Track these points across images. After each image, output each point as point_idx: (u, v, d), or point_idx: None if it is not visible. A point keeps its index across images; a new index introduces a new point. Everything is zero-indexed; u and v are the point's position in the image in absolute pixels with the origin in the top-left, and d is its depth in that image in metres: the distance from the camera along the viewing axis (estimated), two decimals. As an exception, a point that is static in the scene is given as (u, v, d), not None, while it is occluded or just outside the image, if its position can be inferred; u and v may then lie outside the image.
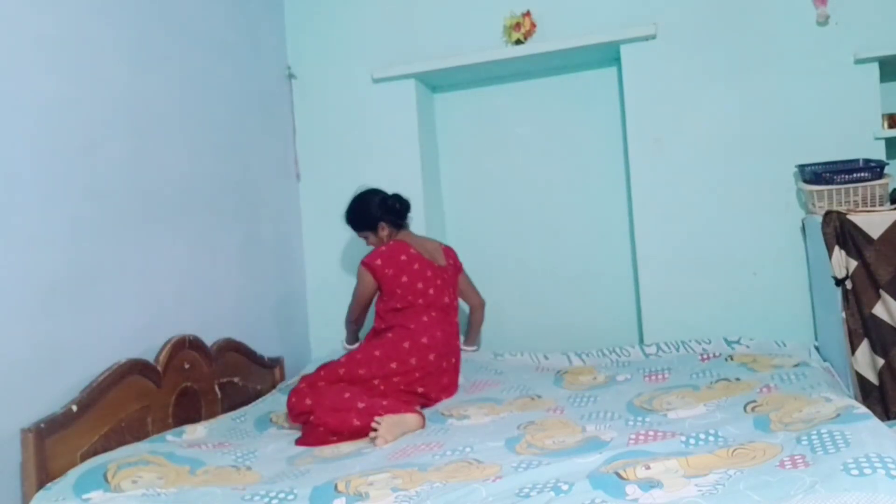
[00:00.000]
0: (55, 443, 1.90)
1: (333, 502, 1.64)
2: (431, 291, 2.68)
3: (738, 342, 2.77)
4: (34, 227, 2.01)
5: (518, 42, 3.15)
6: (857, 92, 2.84)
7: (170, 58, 2.63)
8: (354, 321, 2.90)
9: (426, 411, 2.42)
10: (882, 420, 1.96)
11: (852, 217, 2.49)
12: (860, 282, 2.47)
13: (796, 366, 2.44)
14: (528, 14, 3.16)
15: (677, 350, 2.84)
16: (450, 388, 2.65)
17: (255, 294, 3.04)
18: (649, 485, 1.53)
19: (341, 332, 3.23)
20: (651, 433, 1.94)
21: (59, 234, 2.09)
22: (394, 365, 2.50)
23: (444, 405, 2.51)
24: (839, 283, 2.51)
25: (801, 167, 2.78)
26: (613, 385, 2.53)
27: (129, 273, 2.34)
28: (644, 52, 3.06)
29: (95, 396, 2.06)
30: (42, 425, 1.88)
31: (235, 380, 2.74)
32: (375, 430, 2.17)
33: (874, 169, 2.62)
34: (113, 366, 2.15)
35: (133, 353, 2.26)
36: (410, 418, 2.26)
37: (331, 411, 2.28)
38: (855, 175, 2.63)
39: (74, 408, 1.98)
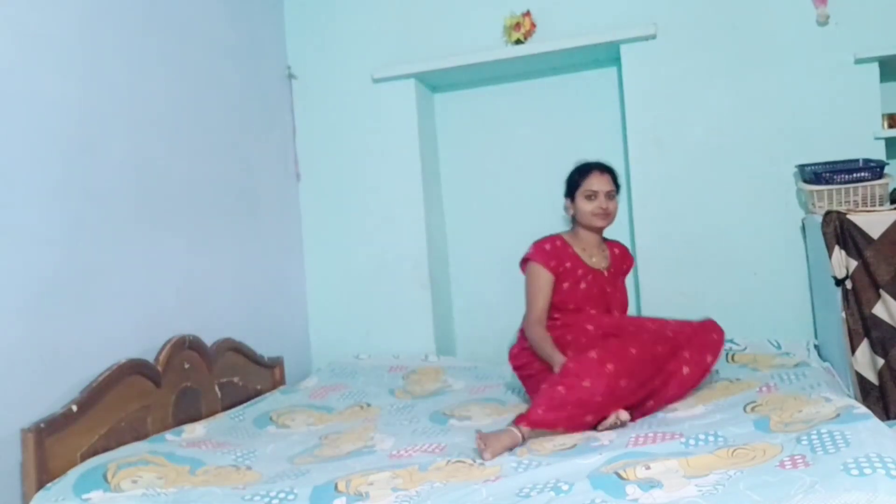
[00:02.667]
0: (55, 443, 1.90)
1: (333, 502, 1.64)
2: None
3: (736, 343, 2.78)
4: (34, 227, 2.01)
5: (518, 42, 3.15)
6: (857, 92, 2.84)
7: (170, 58, 2.63)
8: None
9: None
10: (882, 420, 1.96)
11: (852, 217, 2.49)
12: (860, 282, 2.47)
13: (796, 366, 2.44)
14: (528, 14, 3.16)
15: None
16: None
17: (255, 294, 3.04)
18: (649, 485, 1.53)
19: (340, 332, 3.25)
20: (651, 434, 1.94)
21: (59, 234, 2.09)
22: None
23: (446, 405, 2.51)
24: (839, 282, 2.50)
25: (801, 167, 2.78)
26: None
27: (129, 273, 2.34)
28: (644, 52, 3.06)
29: (95, 396, 2.06)
30: (42, 425, 1.87)
31: (235, 380, 2.74)
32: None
33: (874, 169, 2.62)
34: (113, 366, 2.15)
35: (133, 353, 2.26)
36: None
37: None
38: (855, 175, 2.62)
39: (74, 408, 1.98)
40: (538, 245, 2.50)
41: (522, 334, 2.49)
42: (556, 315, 2.44)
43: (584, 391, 2.04)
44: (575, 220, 2.54)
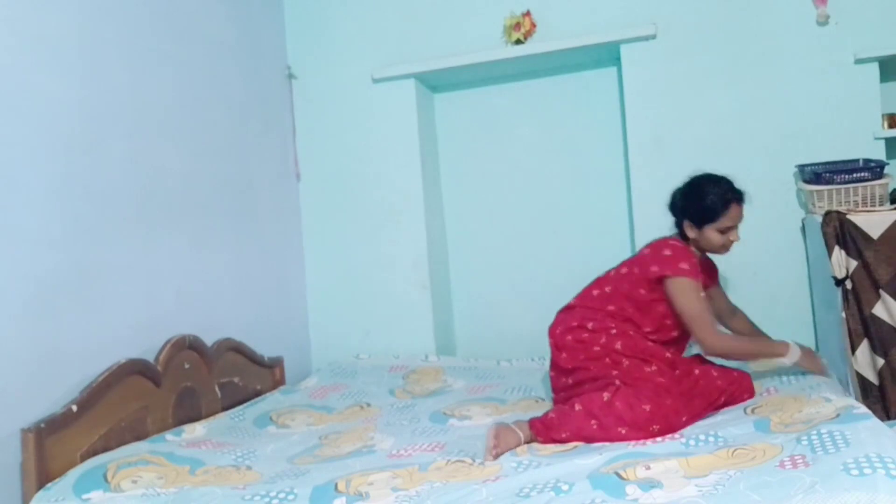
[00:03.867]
0: (55, 443, 1.90)
1: (333, 502, 1.65)
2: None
3: None
4: (34, 227, 2.01)
5: (518, 42, 3.15)
6: (857, 92, 2.84)
7: (170, 58, 2.62)
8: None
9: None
10: (882, 420, 1.96)
11: (852, 217, 2.49)
12: (860, 282, 2.47)
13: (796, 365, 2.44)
14: (528, 14, 3.16)
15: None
16: None
17: (255, 294, 3.04)
18: (649, 485, 1.53)
19: (340, 332, 3.24)
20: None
21: (59, 234, 2.09)
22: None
23: (446, 405, 2.51)
24: (839, 283, 2.50)
25: (801, 167, 2.78)
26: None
27: (129, 273, 2.34)
28: (644, 52, 3.06)
29: (95, 396, 2.06)
30: (42, 425, 1.88)
31: (235, 380, 2.74)
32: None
33: (874, 169, 2.62)
34: (113, 366, 2.15)
35: (133, 353, 2.26)
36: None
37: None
38: (855, 175, 2.62)
39: (74, 408, 1.98)
40: (683, 256, 2.18)
41: (582, 319, 2.23)
42: (666, 332, 2.21)
43: (615, 436, 1.95)
44: (691, 241, 2.27)
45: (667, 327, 2.21)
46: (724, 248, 2.25)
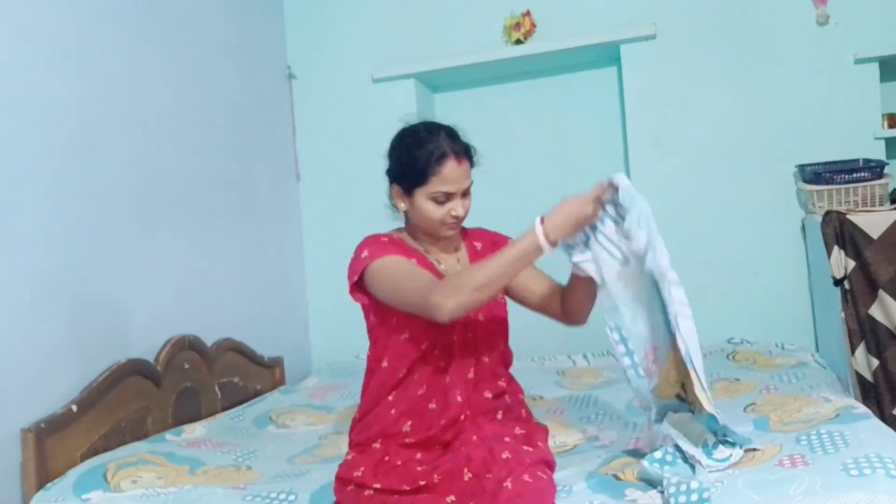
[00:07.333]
0: (55, 443, 1.90)
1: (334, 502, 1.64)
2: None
3: (739, 343, 2.78)
4: (34, 227, 2.01)
5: (518, 42, 3.15)
6: (857, 92, 2.84)
7: (170, 58, 2.63)
8: None
9: None
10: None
11: (852, 217, 2.49)
12: (857, 282, 2.47)
13: (796, 366, 2.44)
14: (528, 14, 3.16)
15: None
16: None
17: (255, 294, 3.04)
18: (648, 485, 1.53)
19: (340, 332, 3.24)
20: (651, 433, 1.93)
21: (59, 234, 2.09)
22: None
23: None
24: (837, 283, 2.51)
25: (801, 167, 2.79)
26: (614, 385, 2.53)
27: (129, 273, 2.34)
28: (644, 52, 3.06)
29: (95, 396, 2.06)
30: (42, 425, 1.88)
31: (235, 380, 2.74)
32: None
33: (874, 169, 2.62)
34: (113, 366, 2.15)
35: (133, 353, 2.26)
36: None
37: None
38: (855, 175, 2.63)
39: (74, 408, 1.98)
40: (364, 244, 1.70)
41: (365, 406, 1.71)
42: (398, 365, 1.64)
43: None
44: (409, 219, 1.72)
45: (393, 354, 1.63)
46: (445, 226, 1.64)
